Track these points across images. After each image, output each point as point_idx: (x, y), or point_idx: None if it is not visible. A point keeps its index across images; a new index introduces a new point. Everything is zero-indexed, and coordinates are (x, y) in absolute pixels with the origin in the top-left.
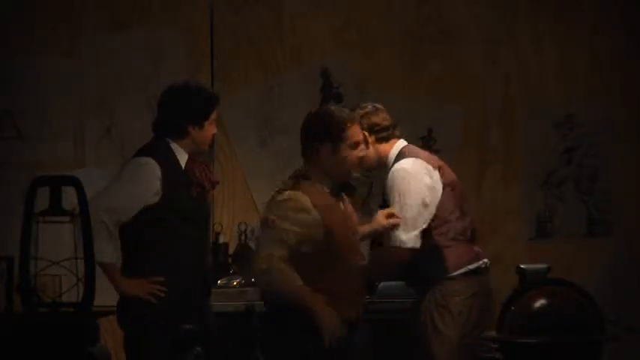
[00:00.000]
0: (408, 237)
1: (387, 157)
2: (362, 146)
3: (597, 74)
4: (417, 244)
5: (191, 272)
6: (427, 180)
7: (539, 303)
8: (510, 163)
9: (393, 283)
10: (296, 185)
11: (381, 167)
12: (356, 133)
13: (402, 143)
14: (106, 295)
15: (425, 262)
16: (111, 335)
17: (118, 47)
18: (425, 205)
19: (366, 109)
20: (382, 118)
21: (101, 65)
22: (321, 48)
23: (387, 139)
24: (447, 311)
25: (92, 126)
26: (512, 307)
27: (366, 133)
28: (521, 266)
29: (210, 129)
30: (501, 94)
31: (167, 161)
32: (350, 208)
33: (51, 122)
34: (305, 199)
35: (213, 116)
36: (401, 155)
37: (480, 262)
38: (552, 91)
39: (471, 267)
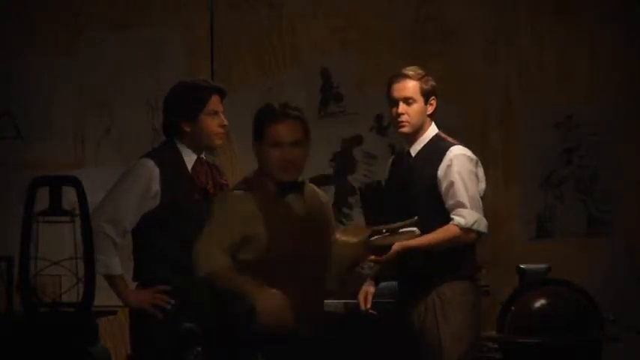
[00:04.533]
0: (478, 219)
1: (423, 132)
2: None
3: (597, 74)
4: (486, 228)
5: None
6: (480, 173)
7: (539, 303)
8: (510, 163)
9: (393, 282)
10: None
11: (411, 138)
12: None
13: (435, 126)
14: (106, 295)
15: (452, 258)
16: (111, 335)
17: (118, 47)
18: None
19: (428, 74)
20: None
21: (101, 65)
22: (321, 48)
23: (432, 117)
24: (462, 307)
25: (92, 126)
26: (512, 307)
27: (420, 97)
28: (521, 266)
29: (210, 121)
30: (501, 94)
31: (169, 162)
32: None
33: (51, 122)
34: None
35: (211, 107)
36: (442, 138)
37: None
38: (552, 91)
39: (475, 274)
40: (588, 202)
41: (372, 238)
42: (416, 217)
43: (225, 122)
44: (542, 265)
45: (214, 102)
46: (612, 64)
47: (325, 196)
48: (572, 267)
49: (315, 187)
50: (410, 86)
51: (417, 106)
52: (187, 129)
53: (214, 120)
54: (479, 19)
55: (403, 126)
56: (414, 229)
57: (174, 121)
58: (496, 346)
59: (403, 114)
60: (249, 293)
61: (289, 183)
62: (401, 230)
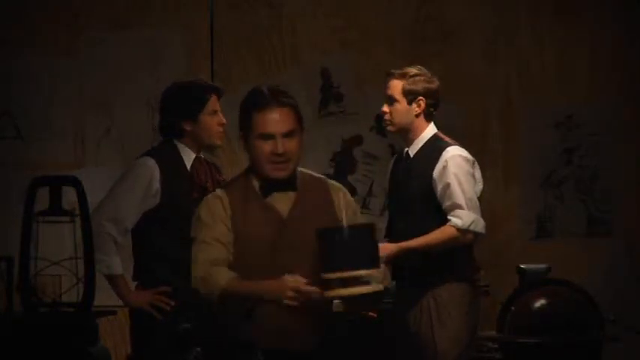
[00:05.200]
0: (475, 219)
1: (420, 132)
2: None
3: (597, 74)
4: (483, 229)
5: None
6: (477, 174)
7: (539, 303)
8: (510, 163)
9: (392, 282)
10: None
11: (407, 138)
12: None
13: (434, 127)
14: (106, 295)
15: (450, 259)
16: (111, 335)
17: (118, 47)
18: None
19: (427, 74)
20: (438, 93)
21: (101, 65)
22: (321, 48)
23: (426, 117)
24: (458, 309)
25: (92, 126)
26: (512, 307)
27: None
28: (521, 266)
29: (211, 120)
30: (501, 94)
31: (169, 161)
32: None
33: (51, 122)
34: None
35: (211, 107)
36: (439, 139)
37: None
38: (552, 91)
39: (474, 276)
40: (588, 202)
41: (326, 291)
42: (383, 266)
43: (224, 121)
44: (542, 265)
45: (213, 101)
46: (612, 64)
47: (339, 186)
48: (572, 267)
49: (321, 177)
50: (391, 86)
51: (399, 105)
52: (188, 128)
53: (214, 119)
54: (479, 19)
55: (386, 125)
56: (381, 285)
57: (173, 121)
58: (496, 346)
59: (386, 113)
60: (262, 292)
61: (278, 179)
62: (365, 280)
